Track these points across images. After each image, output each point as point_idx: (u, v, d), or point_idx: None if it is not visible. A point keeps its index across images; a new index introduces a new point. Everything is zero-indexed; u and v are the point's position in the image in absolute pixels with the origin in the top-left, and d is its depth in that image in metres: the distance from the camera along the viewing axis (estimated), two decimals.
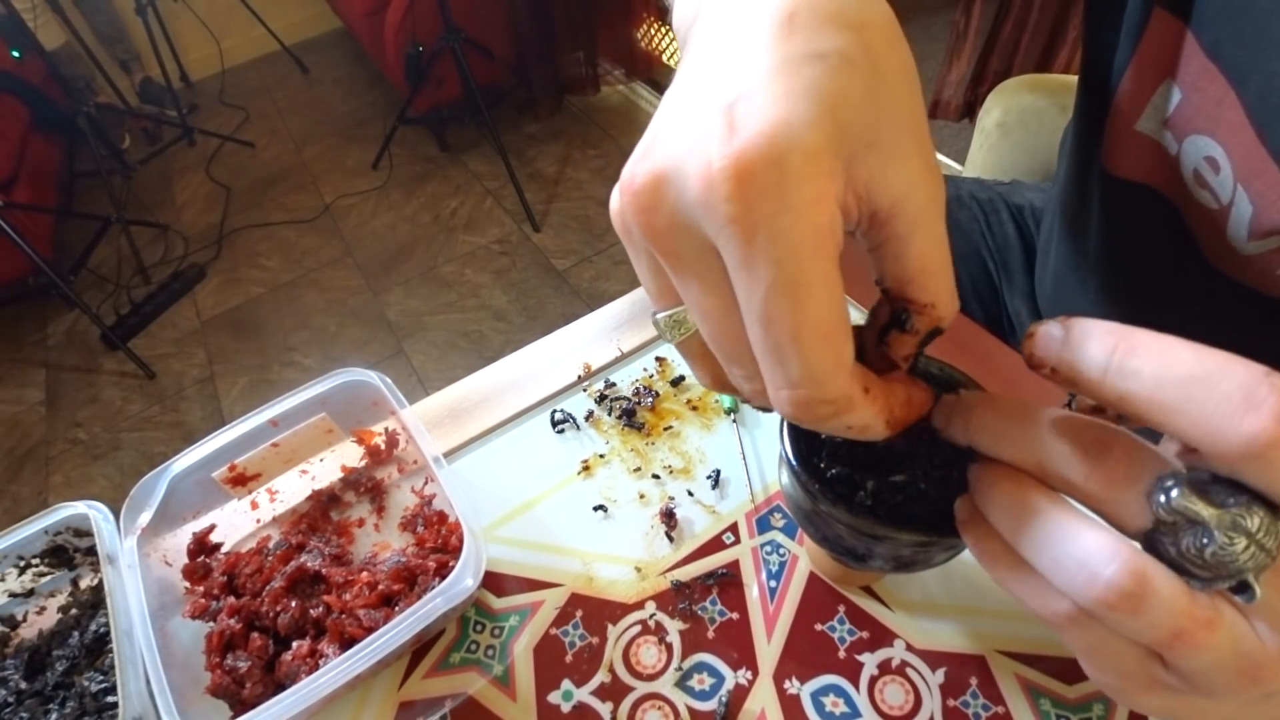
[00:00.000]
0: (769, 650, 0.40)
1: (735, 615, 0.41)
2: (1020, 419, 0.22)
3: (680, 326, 0.25)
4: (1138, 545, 0.19)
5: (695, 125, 0.20)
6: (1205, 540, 0.18)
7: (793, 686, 0.38)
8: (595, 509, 0.46)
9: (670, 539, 0.44)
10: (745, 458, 0.48)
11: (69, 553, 0.46)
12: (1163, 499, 0.18)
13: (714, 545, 0.44)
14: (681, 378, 0.52)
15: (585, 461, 0.49)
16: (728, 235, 0.19)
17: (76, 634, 0.44)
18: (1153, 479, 0.19)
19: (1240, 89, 0.39)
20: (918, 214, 0.21)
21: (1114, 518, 0.20)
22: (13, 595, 0.45)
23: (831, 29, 0.21)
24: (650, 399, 0.51)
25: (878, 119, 0.20)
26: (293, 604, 0.40)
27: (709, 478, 0.47)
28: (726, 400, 0.50)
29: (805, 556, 0.43)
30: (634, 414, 0.50)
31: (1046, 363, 0.20)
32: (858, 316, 0.53)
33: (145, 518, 0.42)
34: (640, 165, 0.22)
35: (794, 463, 0.30)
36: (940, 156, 1.70)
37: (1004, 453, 0.22)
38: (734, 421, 0.49)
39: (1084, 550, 0.19)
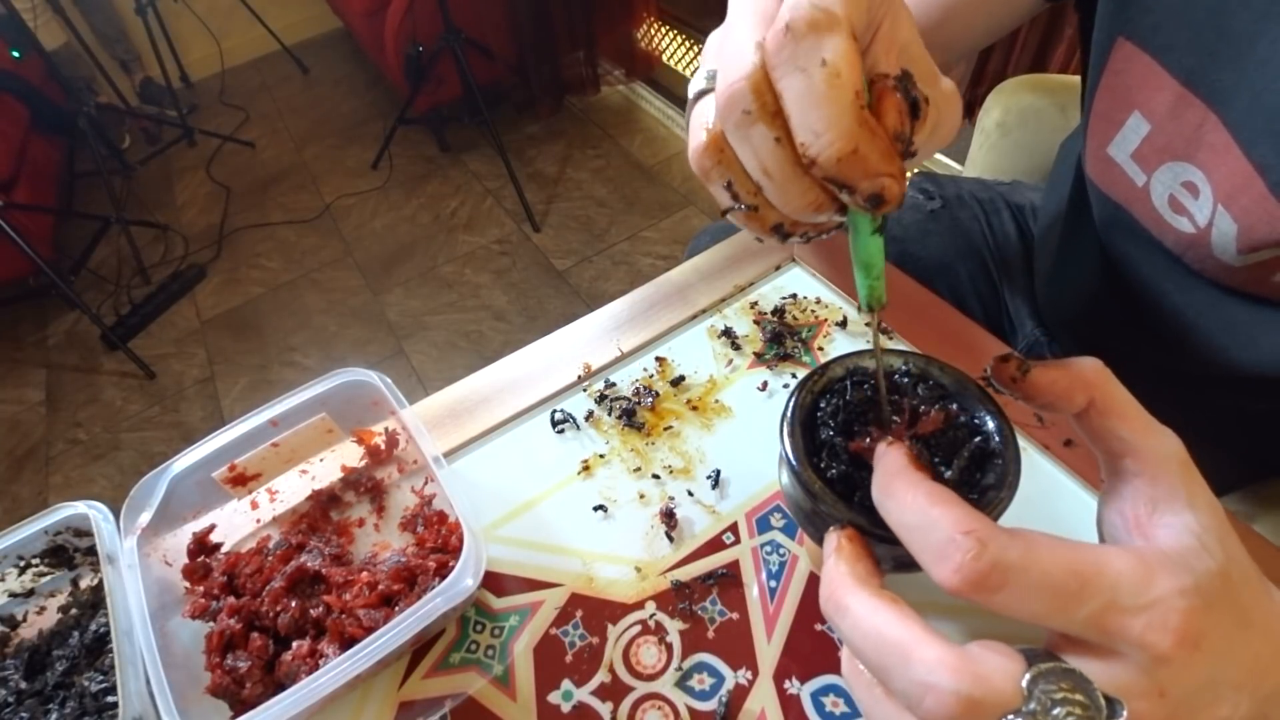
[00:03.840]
0: (769, 650, 0.40)
1: (735, 615, 0.41)
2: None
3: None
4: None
5: None
6: None
7: (793, 686, 0.38)
8: (595, 509, 0.46)
9: (670, 539, 0.44)
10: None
11: (69, 553, 0.46)
12: None
13: (714, 545, 0.44)
14: (682, 378, 0.52)
15: (585, 461, 0.49)
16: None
17: (76, 634, 0.44)
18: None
19: (1222, 110, 0.40)
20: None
21: None
22: (13, 595, 0.45)
23: None
24: (650, 399, 0.51)
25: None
26: (293, 604, 0.40)
27: (709, 478, 0.47)
28: None
29: (805, 556, 0.43)
30: (634, 414, 0.50)
31: None
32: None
33: (145, 518, 0.42)
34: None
35: (794, 463, 0.30)
36: (940, 156, 1.71)
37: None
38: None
39: None
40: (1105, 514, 0.27)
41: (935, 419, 0.30)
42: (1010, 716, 0.20)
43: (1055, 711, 0.20)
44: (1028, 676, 0.21)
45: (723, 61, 0.25)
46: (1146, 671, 0.21)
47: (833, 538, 0.27)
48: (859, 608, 0.24)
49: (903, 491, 0.24)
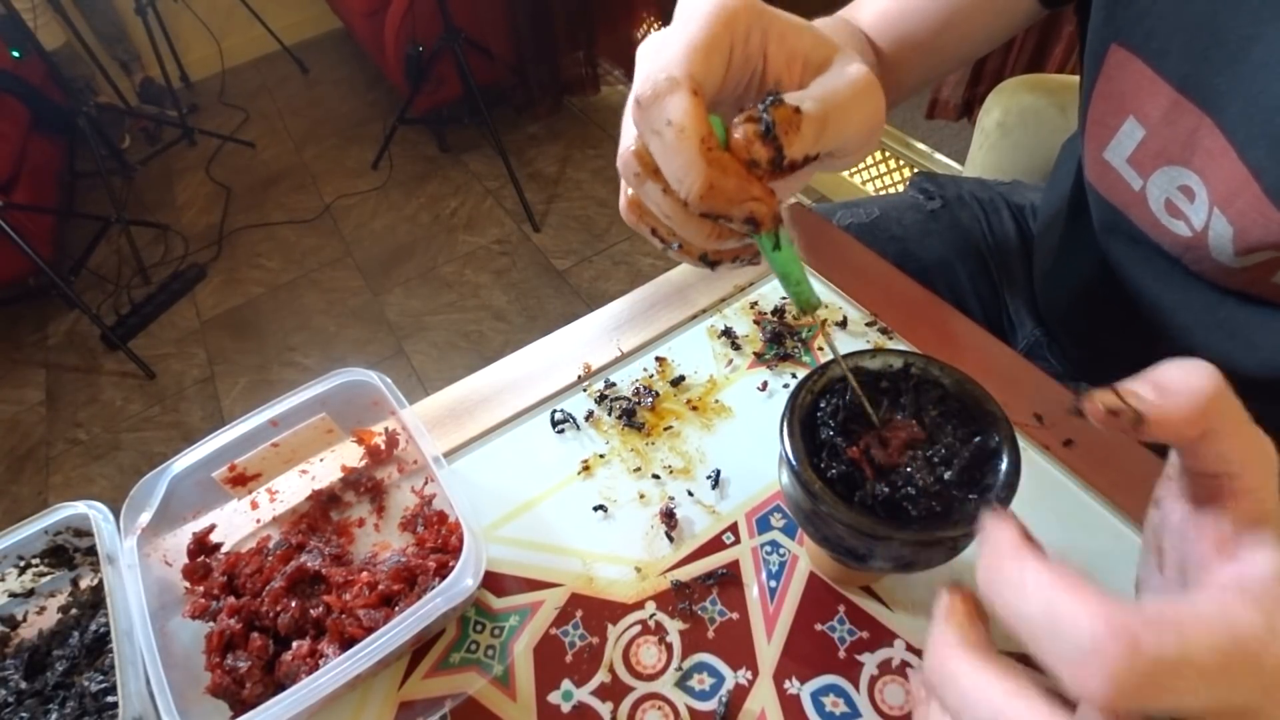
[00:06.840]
0: (769, 650, 0.40)
1: (735, 615, 0.41)
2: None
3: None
4: None
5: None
6: None
7: (793, 686, 0.38)
8: (595, 509, 0.46)
9: (670, 539, 0.44)
10: None
11: (69, 553, 0.46)
12: None
13: (714, 545, 0.44)
14: (682, 378, 0.52)
15: (585, 461, 0.49)
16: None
17: (76, 634, 0.44)
18: None
19: (1218, 115, 0.40)
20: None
21: None
22: (13, 595, 0.45)
23: None
24: (650, 399, 0.51)
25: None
26: (293, 604, 0.40)
27: (709, 478, 0.47)
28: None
29: (805, 556, 0.43)
30: (634, 414, 0.50)
31: None
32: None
33: (145, 518, 0.42)
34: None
35: (794, 463, 0.30)
36: (940, 156, 1.70)
37: None
38: None
39: None
40: (1185, 535, 0.23)
41: (909, 426, 0.30)
42: None
43: None
44: None
45: (622, 132, 0.29)
46: None
47: (944, 599, 0.24)
48: (969, 679, 0.21)
49: (1017, 576, 0.20)
